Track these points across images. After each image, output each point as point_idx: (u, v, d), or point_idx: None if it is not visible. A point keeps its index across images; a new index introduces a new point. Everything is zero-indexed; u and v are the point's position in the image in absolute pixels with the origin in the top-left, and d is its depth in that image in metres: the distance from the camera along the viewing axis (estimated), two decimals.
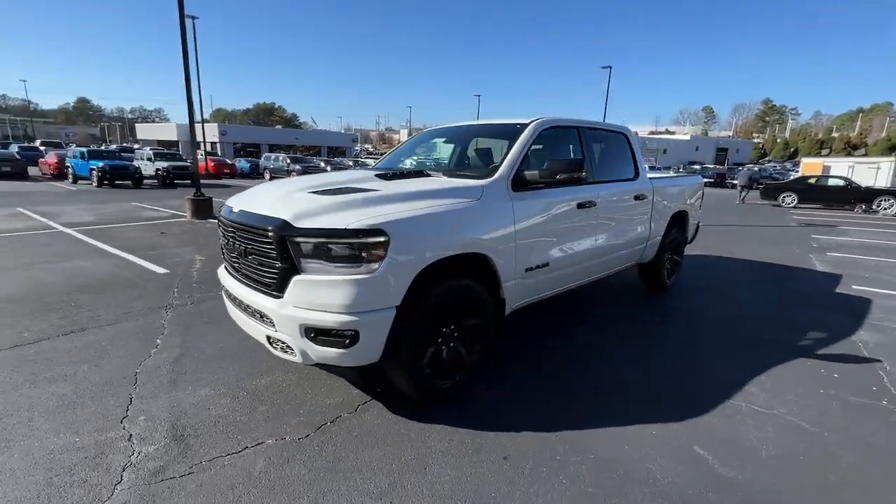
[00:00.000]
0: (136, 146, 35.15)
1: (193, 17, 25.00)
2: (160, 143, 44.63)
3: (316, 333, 2.24)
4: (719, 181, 31.27)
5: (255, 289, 2.49)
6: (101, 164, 17.88)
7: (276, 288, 2.32)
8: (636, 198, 4.17)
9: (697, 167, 36.47)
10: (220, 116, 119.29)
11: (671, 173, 6.42)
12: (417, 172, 3.23)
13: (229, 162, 28.76)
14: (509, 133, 3.30)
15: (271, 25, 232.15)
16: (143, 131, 52.89)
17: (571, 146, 3.68)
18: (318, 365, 2.39)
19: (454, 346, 2.70)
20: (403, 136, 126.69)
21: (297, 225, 2.23)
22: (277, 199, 2.54)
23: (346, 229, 2.18)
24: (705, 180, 23.48)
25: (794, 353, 3.51)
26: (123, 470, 2.03)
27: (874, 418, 2.63)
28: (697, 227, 5.74)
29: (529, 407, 2.67)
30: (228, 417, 2.47)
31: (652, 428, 2.46)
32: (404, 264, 2.29)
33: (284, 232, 2.23)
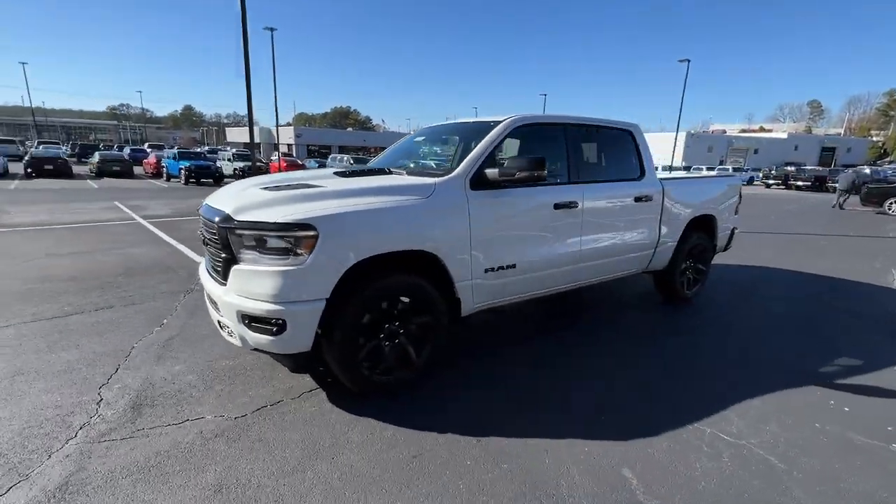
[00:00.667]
0: (221, 148, 39.01)
1: (272, 29, 27.18)
2: (245, 145, 48.96)
3: (250, 320, 2.39)
4: (817, 184, 27.71)
5: (211, 277, 2.71)
6: (188, 164, 20.13)
7: (222, 276, 2.51)
8: (638, 199, 3.87)
9: (791, 168, 32.58)
10: (302, 120, 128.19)
11: (703, 173, 5.74)
12: (379, 171, 3.29)
13: (300, 162, 30.89)
14: (481, 131, 3.24)
15: (344, 33, 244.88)
16: (232, 135, 58.44)
17: (554, 145, 3.52)
18: (262, 351, 2.53)
19: (400, 342, 2.72)
20: None
21: (237, 218, 2.39)
22: (231, 194, 2.74)
23: (275, 223, 2.30)
24: (800, 183, 21.31)
25: (808, 380, 3.07)
26: (80, 428, 2.32)
27: (870, 463, 2.23)
28: (732, 233, 5.17)
29: (469, 411, 2.61)
30: (185, 392, 2.70)
31: (587, 444, 2.30)
32: (333, 258, 2.36)
33: (225, 224, 2.41)
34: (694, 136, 50.65)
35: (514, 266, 3.13)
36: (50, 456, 2.11)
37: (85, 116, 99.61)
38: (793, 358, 3.44)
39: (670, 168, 32.89)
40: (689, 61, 31.23)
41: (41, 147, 28.51)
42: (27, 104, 49.87)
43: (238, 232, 2.36)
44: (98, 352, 3.21)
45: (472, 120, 3.77)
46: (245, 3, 10.26)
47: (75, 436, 2.26)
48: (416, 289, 2.70)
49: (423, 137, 4.11)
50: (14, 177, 19.42)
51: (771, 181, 31.70)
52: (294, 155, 41.14)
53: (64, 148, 33.39)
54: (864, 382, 3.08)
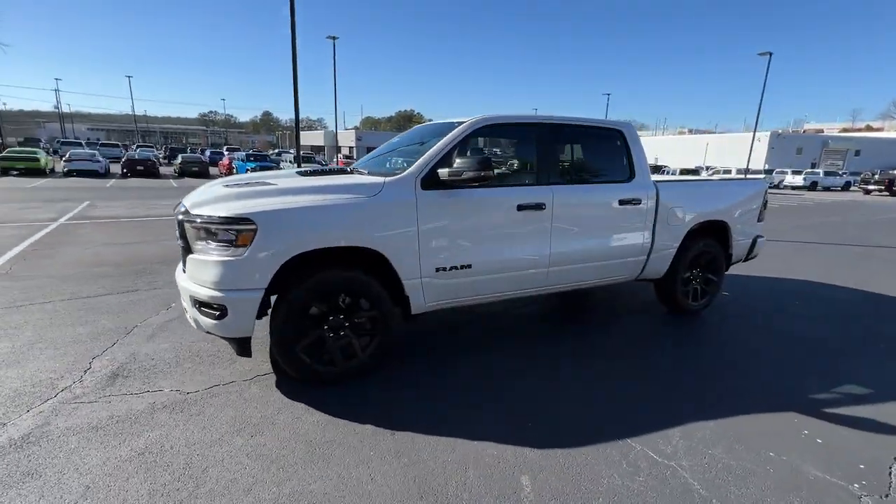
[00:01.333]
0: (286, 151, 41.83)
1: (334, 38, 28.72)
2: (312, 148, 52.05)
3: (200, 305, 2.63)
4: (889, 188, 24.30)
5: (181, 266, 3.00)
6: (253, 165, 21.90)
7: (184, 264, 2.78)
8: (623, 203, 3.68)
9: (872, 173, 28.72)
10: (369, 123, 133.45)
11: (720, 176, 5.15)
12: (339, 171, 3.43)
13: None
14: (444, 132, 3.27)
15: (409, 39, 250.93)
16: (303, 139, 62.40)
17: (523, 146, 3.45)
18: (212, 334, 2.76)
19: (345, 335, 2.85)
20: None
21: (192, 211, 2.64)
22: (199, 191, 3.01)
23: (219, 216, 2.52)
24: (871, 188, 19.14)
25: (791, 407, 2.76)
26: (61, 391, 2.69)
27: (812, 501, 1.98)
28: (754, 242, 4.71)
29: (404, 407, 2.67)
30: (158, 367, 3.02)
31: (500, 448, 2.27)
32: (270, 251, 2.53)
33: (183, 217, 2.67)
34: (780, 136, 45.94)
35: (469, 266, 3.12)
36: (29, 410, 2.48)
37: (180, 123, 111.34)
38: (790, 383, 3.09)
39: (746, 171, 30.18)
40: (770, 55, 28.48)
41: (138, 150, 32.45)
42: (135, 113, 56.88)
43: (192, 224, 2.61)
44: (107, 328, 3.66)
45: (445, 121, 3.81)
46: (295, 16, 11.01)
47: (55, 396, 2.63)
48: (360, 284, 2.80)
49: (404, 138, 4.20)
50: (113, 176, 22.25)
51: (871, 186, 27.98)
52: (354, 157, 43.05)
53: (157, 151, 37.51)
54: (859, 415, 2.71)
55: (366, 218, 2.78)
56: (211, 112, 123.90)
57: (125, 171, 22.47)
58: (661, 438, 2.39)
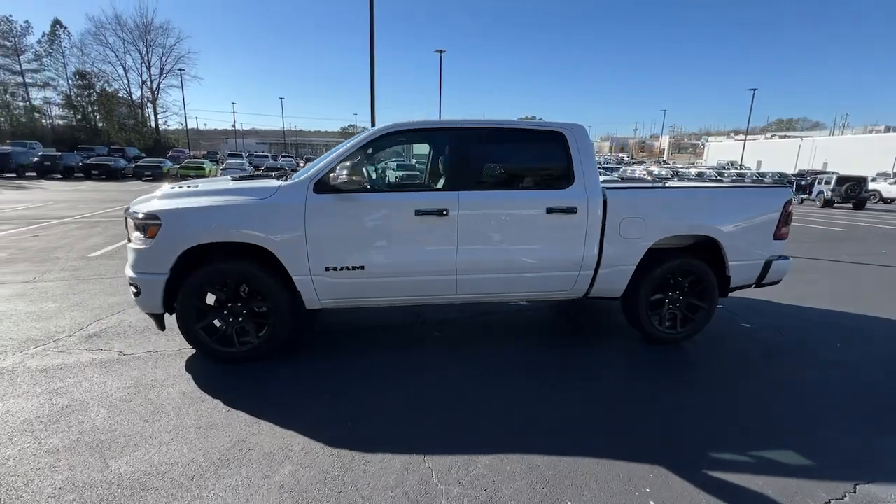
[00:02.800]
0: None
1: (441, 52, 30.15)
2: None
3: (129, 284, 3.23)
4: None
5: None
6: None
7: None
8: (552, 210, 3.38)
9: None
10: None
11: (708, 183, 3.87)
12: (264, 176, 3.78)
13: None
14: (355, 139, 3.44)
15: (524, 43, 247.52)
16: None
17: (436, 151, 3.41)
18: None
19: (242, 321, 3.21)
20: (664, 142, 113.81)
21: (130, 209, 3.26)
22: (149, 195, 3.66)
23: (136, 213, 3.09)
24: None
25: (700, 465, 2.28)
26: (51, 341, 3.54)
27: None
28: (768, 265, 3.82)
29: (307, 402, 2.89)
30: (127, 334, 3.75)
31: (345, 454, 2.37)
32: (170, 243, 3.01)
33: (125, 214, 3.32)
34: None
35: (362, 268, 3.24)
36: (23, 352, 3.35)
37: (325, 136, 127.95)
38: (730, 438, 2.54)
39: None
40: None
41: (281, 159, 38.41)
42: (286, 128, 67.27)
43: (127, 219, 3.24)
44: (120, 301, 4.61)
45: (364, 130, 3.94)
46: (374, 26, 11.99)
47: (45, 344, 3.48)
48: (250, 276, 3.14)
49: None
50: None
51: None
52: None
53: (296, 159, 43.57)
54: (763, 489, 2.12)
55: (254, 217, 3.10)
56: (350, 125, 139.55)
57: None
58: (464, 464, 2.22)
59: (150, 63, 47.77)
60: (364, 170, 3.37)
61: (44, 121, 44.22)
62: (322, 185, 3.16)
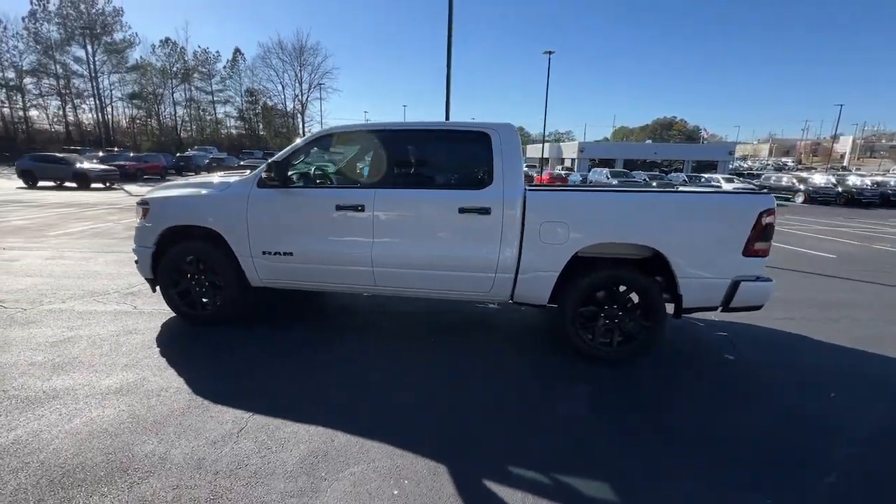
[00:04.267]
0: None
1: (550, 52, 29.44)
2: (540, 159, 53.90)
3: (133, 253, 4.18)
4: None
5: None
6: None
7: None
8: (465, 210, 3.41)
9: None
10: (621, 134, 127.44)
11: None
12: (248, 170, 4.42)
13: (563, 176, 32.13)
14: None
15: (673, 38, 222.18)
16: (530, 151, 65.21)
17: (360, 151, 3.68)
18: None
19: (203, 290, 3.94)
20: (846, 144, 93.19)
21: (141, 197, 4.22)
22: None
23: (140, 199, 4.00)
24: None
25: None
26: (102, 294, 4.74)
27: None
28: (735, 285, 3.23)
29: (223, 359, 3.55)
30: (146, 294, 4.79)
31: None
32: (154, 223, 3.86)
33: (137, 200, 4.29)
34: None
35: (291, 254, 3.69)
36: (80, 300, 4.57)
37: None
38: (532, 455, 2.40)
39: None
40: None
41: None
42: None
43: (136, 204, 4.20)
44: None
45: None
46: (452, 28, 12.44)
47: (97, 296, 4.68)
48: (208, 255, 3.82)
49: None
50: None
51: None
52: (575, 169, 42.59)
53: None
54: None
55: (209, 206, 3.78)
56: None
57: None
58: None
59: (301, 79, 55.92)
60: (299, 169, 3.82)
61: (222, 131, 54.99)
62: (262, 181, 3.69)
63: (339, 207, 3.56)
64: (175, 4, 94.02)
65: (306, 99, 57.72)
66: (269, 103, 55.36)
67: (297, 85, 56.47)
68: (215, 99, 53.59)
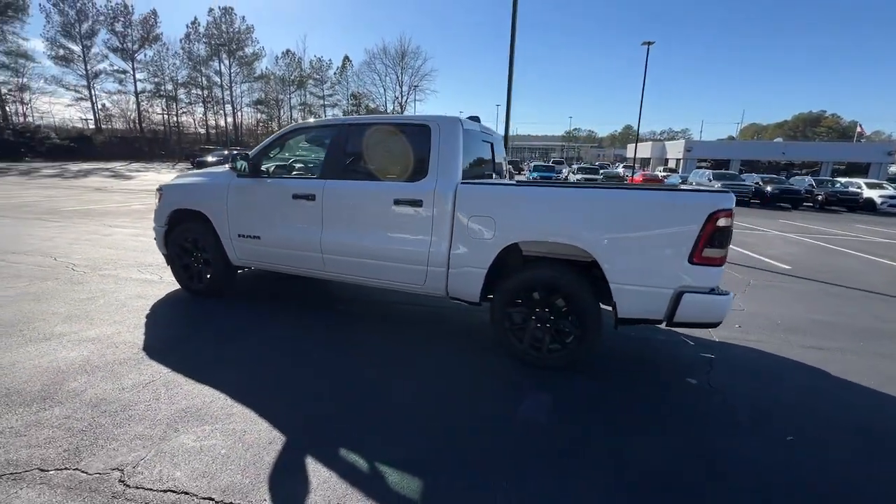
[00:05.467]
0: (606, 164, 42.09)
1: (649, 43, 27.08)
2: (641, 160, 49.90)
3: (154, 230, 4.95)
4: None
5: None
6: (535, 175, 24.59)
7: None
8: (399, 202, 3.46)
9: None
10: (750, 132, 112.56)
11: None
12: None
13: (660, 177, 29.46)
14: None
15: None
16: (630, 150, 60.43)
17: (320, 144, 3.90)
18: None
19: (200, 266, 4.54)
20: None
21: (159, 184, 4.96)
22: None
23: (157, 186, 4.74)
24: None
25: None
26: (145, 266, 5.68)
27: None
28: (679, 297, 2.80)
29: (203, 326, 4.12)
30: None
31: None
32: (165, 206, 4.55)
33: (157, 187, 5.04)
34: None
35: (258, 237, 4.09)
36: (125, 269, 5.54)
37: (546, 140, 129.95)
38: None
39: None
40: None
41: None
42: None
43: (156, 190, 4.96)
44: None
45: None
46: (515, 29, 12.20)
47: (140, 267, 5.63)
48: (201, 234, 4.39)
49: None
50: None
51: None
52: (680, 169, 38.70)
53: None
54: None
55: (202, 193, 4.33)
56: (575, 129, 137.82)
57: None
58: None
59: (401, 82, 58.93)
60: (275, 161, 4.19)
61: None
62: (239, 172, 4.14)
63: (294, 196, 3.86)
64: (297, 19, 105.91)
65: (405, 101, 60.71)
66: (372, 105, 59.33)
67: (397, 87, 59.69)
68: (325, 103, 59.06)
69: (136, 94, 46.57)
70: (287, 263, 4.10)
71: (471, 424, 2.57)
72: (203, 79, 50.10)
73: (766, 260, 7.78)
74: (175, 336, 3.63)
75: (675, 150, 43.64)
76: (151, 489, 1.96)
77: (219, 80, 51.02)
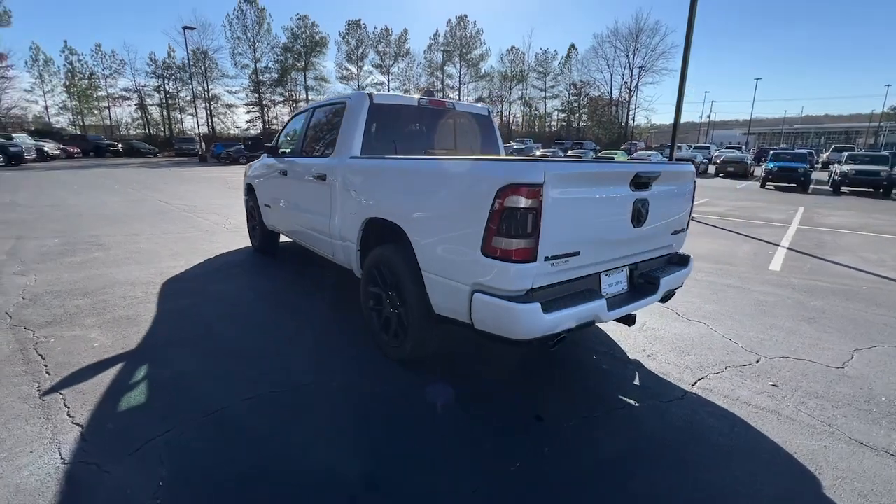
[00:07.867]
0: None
1: None
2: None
3: None
4: None
5: None
6: (772, 165, 19.14)
7: None
8: (316, 177, 3.72)
9: None
10: None
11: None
12: None
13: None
14: None
15: None
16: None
17: (307, 127, 4.44)
18: None
19: (254, 227, 5.85)
20: None
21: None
22: None
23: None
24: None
25: None
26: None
27: None
28: (470, 297, 2.15)
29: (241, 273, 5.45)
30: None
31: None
32: (245, 181, 6.00)
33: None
34: None
35: (270, 206, 5.00)
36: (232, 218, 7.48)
37: (850, 121, 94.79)
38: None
39: None
40: None
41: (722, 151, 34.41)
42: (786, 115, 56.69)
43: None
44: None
45: None
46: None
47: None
48: (253, 206, 5.63)
49: None
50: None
51: None
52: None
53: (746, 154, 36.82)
54: None
55: (253, 170, 5.53)
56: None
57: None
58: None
59: (633, 64, 53.51)
60: (280, 141, 4.97)
61: (550, 124, 60.42)
62: (269, 152, 5.11)
63: (281, 172, 4.56)
64: (522, 15, 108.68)
65: (635, 84, 55.04)
66: (595, 94, 56.28)
67: (626, 71, 54.64)
68: (546, 95, 59.27)
69: None
70: (286, 229, 4.83)
71: None
72: (439, 83, 57.67)
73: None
74: (207, 279, 4.90)
75: None
76: None
77: (450, 82, 57.68)
